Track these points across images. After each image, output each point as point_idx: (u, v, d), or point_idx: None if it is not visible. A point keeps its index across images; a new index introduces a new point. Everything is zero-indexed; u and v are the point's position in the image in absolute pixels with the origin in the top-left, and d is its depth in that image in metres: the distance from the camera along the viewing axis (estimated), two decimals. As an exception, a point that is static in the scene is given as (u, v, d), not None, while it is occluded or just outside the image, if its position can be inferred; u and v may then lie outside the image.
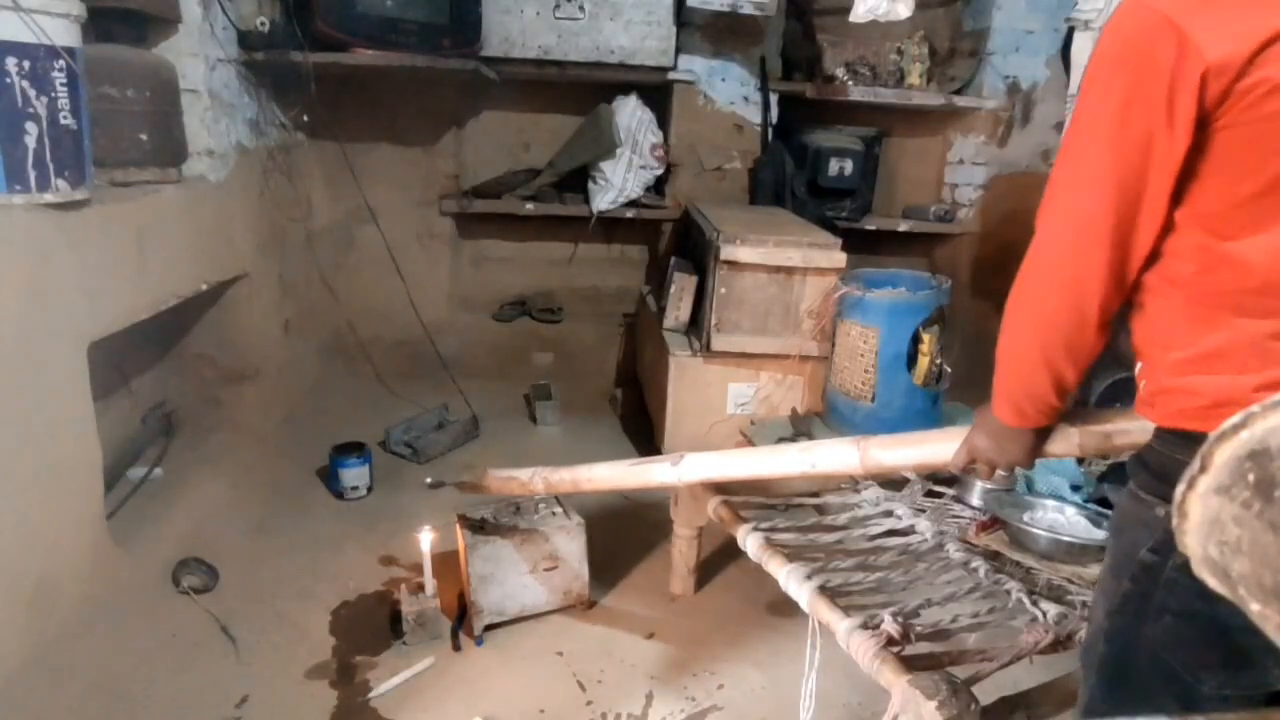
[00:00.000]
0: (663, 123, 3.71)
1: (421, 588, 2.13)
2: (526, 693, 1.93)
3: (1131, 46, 0.93)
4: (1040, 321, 1.07)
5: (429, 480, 2.24)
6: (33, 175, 1.80)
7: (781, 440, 2.72)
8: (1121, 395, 2.57)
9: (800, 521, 2.11)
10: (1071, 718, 1.39)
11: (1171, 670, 1.00)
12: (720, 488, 2.21)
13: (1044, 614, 1.62)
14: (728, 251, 2.80)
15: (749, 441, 2.87)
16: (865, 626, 1.52)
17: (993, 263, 3.82)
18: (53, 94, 1.80)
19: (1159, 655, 1.01)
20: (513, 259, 4.10)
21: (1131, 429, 1.23)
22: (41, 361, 1.86)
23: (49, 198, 1.84)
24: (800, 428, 2.89)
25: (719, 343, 2.90)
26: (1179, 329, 1.00)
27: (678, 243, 3.74)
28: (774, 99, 3.65)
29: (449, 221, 3.90)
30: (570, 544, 2.19)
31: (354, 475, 2.80)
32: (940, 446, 1.41)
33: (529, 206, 3.71)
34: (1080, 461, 2.50)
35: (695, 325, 3.08)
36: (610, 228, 3.95)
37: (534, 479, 2.10)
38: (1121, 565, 1.05)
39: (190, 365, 2.98)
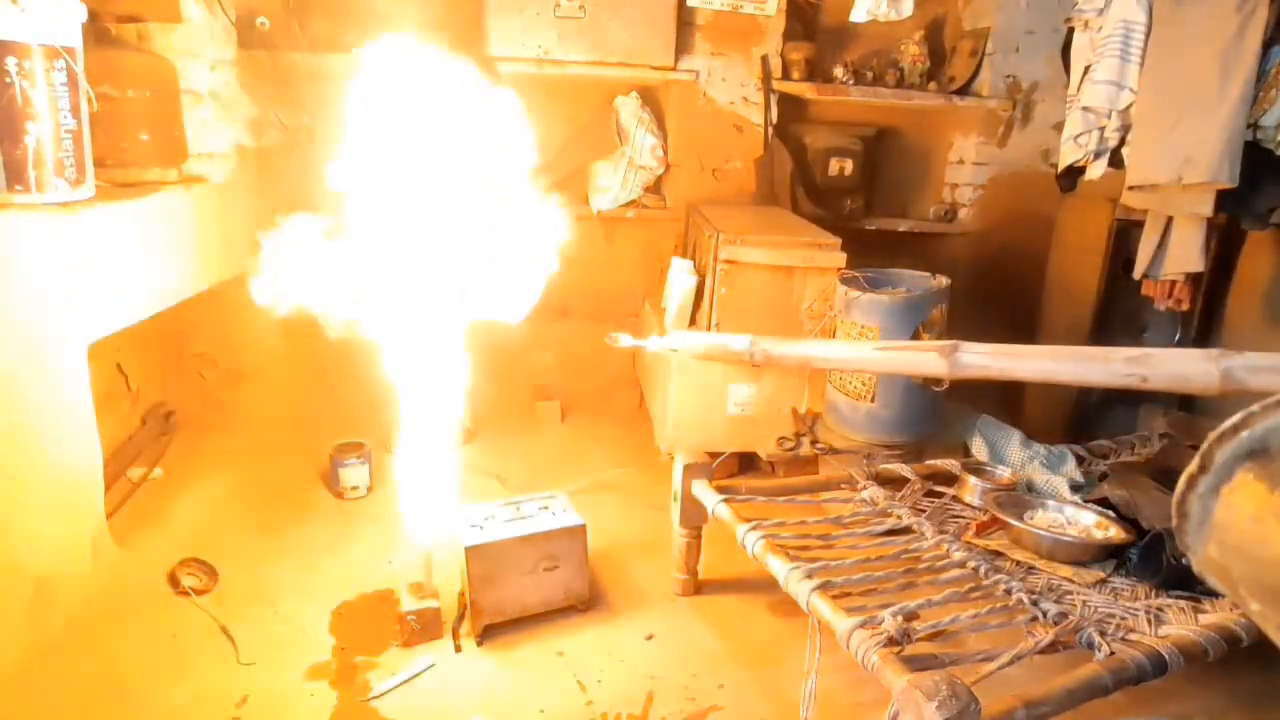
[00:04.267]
0: (663, 123, 3.71)
1: (422, 588, 2.13)
2: (526, 693, 1.93)
3: None
4: None
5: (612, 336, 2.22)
6: (33, 175, 1.80)
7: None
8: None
9: (800, 521, 2.11)
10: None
11: None
12: (721, 488, 2.21)
13: (1044, 614, 1.62)
14: (728, 251, 2.80)
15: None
16: (865, 626, 1.52)
17: (993, 263, 3.81)
18: (53, 94, 1.80)
19: None
20: (512, 259, 4.09)
21: None
22: (41, 361, 1.86)
23: (49, 198, 1.84)
24: (801, 428, 2.90)
25: (719, 343, 2.90)
26: None
27: (678, 243, 3.74)
28: (774, 99, 3.65)
29: (449, 221, 3.89)
30: (570, 544, 2.18)
31: (354, 475, 2.80)
32: None
33: (529, 207, 3.70)
34: (1080, 461, 2.51)
35: (695, 325, 3.08)
36: (610, 228, 3.95)
37: (752, 350, 2.04)
38: None
39: (190, 365, 2.97)
